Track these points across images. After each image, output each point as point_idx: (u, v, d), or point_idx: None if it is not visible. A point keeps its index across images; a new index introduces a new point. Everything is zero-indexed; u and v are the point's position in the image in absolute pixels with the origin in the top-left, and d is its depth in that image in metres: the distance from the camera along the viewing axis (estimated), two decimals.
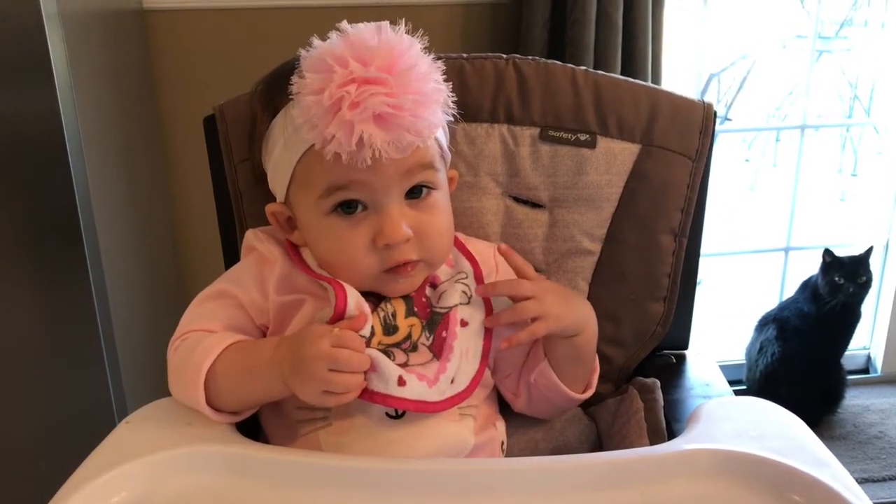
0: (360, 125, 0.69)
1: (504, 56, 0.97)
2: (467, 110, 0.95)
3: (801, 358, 2.07)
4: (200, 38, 1.71)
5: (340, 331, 0.73)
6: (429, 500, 0.71)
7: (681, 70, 2.31)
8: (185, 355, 0.79)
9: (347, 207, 0.77)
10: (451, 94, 0.76)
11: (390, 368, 0.76)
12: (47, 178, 1.25)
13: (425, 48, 0.74)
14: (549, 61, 0.97)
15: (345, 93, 0.69)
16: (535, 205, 0.97)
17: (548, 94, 0.95)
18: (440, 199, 0.81)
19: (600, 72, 0.97)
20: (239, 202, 0.96)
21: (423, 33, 0.74)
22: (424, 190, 0.79)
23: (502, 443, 0.89)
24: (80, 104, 1.27)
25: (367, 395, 0.76)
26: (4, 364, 1.35)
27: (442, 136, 0.82)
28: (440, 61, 0.75)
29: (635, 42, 1.70)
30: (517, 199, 0.98)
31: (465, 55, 0.97)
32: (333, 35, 0.72)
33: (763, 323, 2.19)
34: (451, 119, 0.80)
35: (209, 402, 0.77)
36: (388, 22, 0.73)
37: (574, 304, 0.86)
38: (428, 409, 0.78)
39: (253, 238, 0.86)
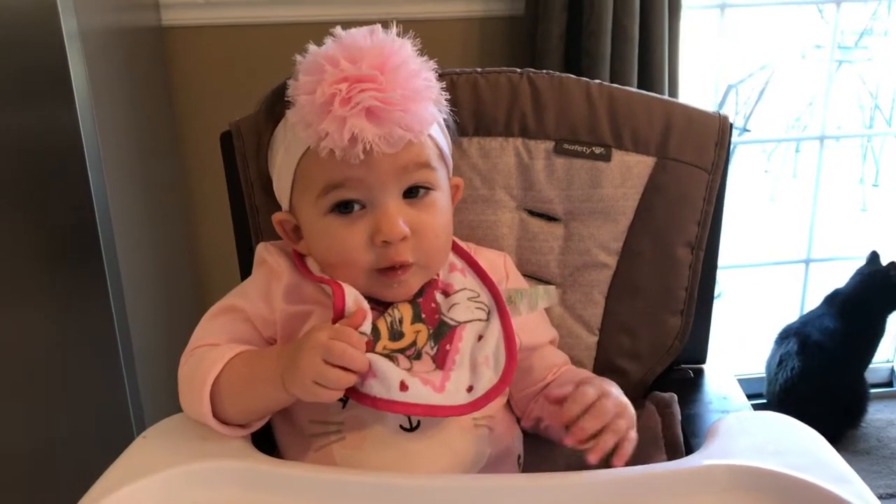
0: (352, 120, 0.71)
1: (518, 70, 0.97)
2: (482, 124, 0.96)
3: (823, 373, 2.04)
4: (218, 54, 1.72)
5: (340, 325, 0.73)
6: None
7: (698, 81, 2.30)
8: (192, 370, 0.79)
9: (345, 207, 0.78)
10: (443, 92, 0.77)
11: (392, 373, 0.75)
12: (67, 194, 1.26)
13: (419, 50, 0.76)
14: (564, 75, 0.97)
15: (336, 90, 0.71)
16: (551, 218, 0.97)
17: (562, 108, 0.95)
18: (438, 198, 0.81)
19: (615, 85, 0.97)
20: (255, 217, 0.97)
21: (413, 35, 0.76)
22: (422, 190, 0.80)
23: (519, 456, 0.89)
24: (99, 120, 1.28)
25: (370, 401, 0.74)
26: (24, 376, 1.36)
27: (440, 136, 0.82)
28: (433, 62, 0.77)
29: (651, 53, 1.69)
30: (532, 213, 0.98)
31: (479, 69, 0.97)
32: (328, 40, 0.75)
33: (784, 336, 2.15)
34: (446, 117, 0.81)
35: (216, 415, 0.77)
36: (380, 25, 0.75)
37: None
38: (438, 412, 0.77)
39: (263, 250, 0.87)
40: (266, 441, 0.84)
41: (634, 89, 0.98)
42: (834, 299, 2.11)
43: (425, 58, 0.76)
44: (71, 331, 1.34)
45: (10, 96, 1.21)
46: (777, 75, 4.11)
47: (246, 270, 0.99)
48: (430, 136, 0.79)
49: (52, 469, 1.41)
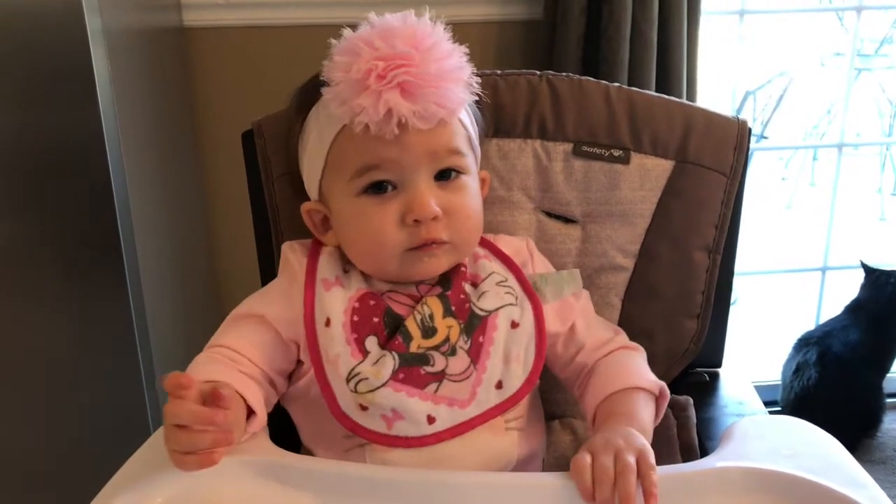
0: (386, 95, 0.72)
1: (538, 72, 0.98)
2: (501, 126, 0.96)
3: (841, 385, 2.03)
4: (239, 54, 1.73)
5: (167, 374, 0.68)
6: None
7: (716, 87, 2.30)
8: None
9: (378, 188, 0.79)
10: (475, 73, 0.79)
11: (418, 409, 0.78)
12: (88, 192, 1.27)
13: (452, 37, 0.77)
14: (583, 78, 0.97)
15: (373, 65, 0.72)
16: (568, 220, 0.98)
17: (581, 110, 0.96)
18: (469, 182, 0.82)
19: (634, 88, 0.98)
20: (276, 216, 0.98)
21: (444, 21, 0.77)
22: (453, 173, 0.81)
23: (543, 459, 0.90)
24: (121, 119, 1.29)
25: (403, 441, 0.78)
26: (43, 375, 1.37)
27: (470, 123, 0.83)
28: (465, 47, 0.78)
29: (670, 59, 1.69)
30: (550, 214, 0.98)
31: (498, 72, 0.98)
32: (363, 24, 0.76)
33: (803, 343, 2.13)
34: (477, 99, 0.82)
35: None
36: (412, 10, 0.77)
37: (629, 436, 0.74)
38: (466, 428, 0.79)
39: (287, 249, 0.88)
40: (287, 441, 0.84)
41: (654, 93, 0.98)
42: (858, 310, 2.10)
43: (457, 43, 0.77)
44: (90, 329, 1.35)
45: (35, 94, 1.22)
46: (795, 83, 4.10)
47: (266, 269, 1.00)
48: (461, 121, 0.81)
49: (69, 466, 1.42)
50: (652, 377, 0.84)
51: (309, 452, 0.86)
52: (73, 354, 1.36)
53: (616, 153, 0.95)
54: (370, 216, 0.79)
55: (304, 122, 0.84)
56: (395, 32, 0.74)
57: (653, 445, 0.90)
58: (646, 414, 0.80)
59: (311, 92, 0.80)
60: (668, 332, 0.98)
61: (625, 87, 0.97)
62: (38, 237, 1.29)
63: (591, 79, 0.97)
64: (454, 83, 0.75)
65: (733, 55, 2.12)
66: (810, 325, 2.20)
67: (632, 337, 0.98)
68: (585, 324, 0.89)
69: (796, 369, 2.09)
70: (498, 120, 0.96)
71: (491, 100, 0.96)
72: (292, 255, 0.87)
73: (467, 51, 0.78)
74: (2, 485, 1.42)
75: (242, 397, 0.76)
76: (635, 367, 0.85)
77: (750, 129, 0.96)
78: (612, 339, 0.89)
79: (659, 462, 0.86)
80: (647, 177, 0.95)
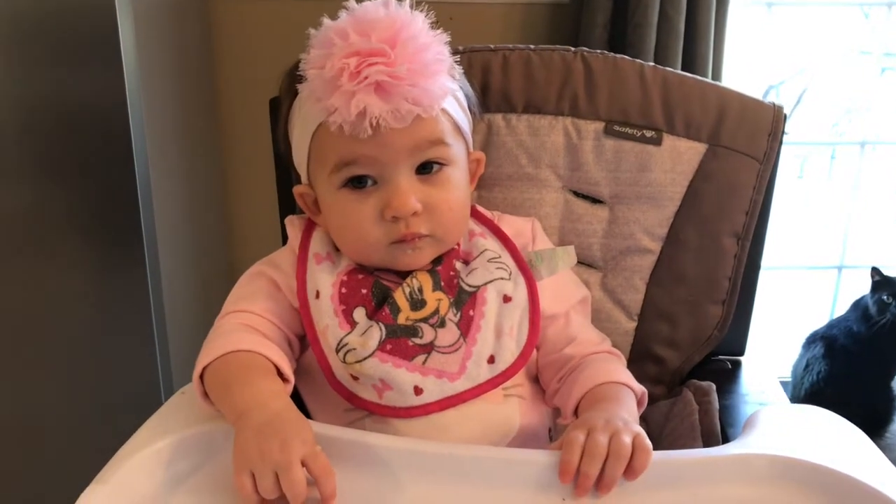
0: (359, 95, 0.71)
1: (572, 49, 0.96)
2: (532, 102, 0.95)
3: (848, 378, 2.02)
4: (262, 24, 1.73)
5: (320, 454, 0.66)
6: (468, 486, 0.70)
7: (739, 79, 2.28)
8: (206, 342, 0.79)
9: (358, 182, 0.78)
10: (457, 65, 0.78)
11: (404, 381, 0.77)
12: (109, 159, 1.27)
13: (433, 24, 0.75)
14: (618, 56, 0.96)
15: (345, 64, 0.70)
16: (596, 200, 0.97)
17: (615, 89, 0.94)
18: (453, 174, 0.80)
19: (669, 69, 0.96)
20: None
21: (428, 8, 0.75)
22: (436, 166, 0.79)
23: (550, 430, 0.88)
24: (144, 86, 1.29)
25: (392, 411, 0.78)
26: (59, 342, 1.37)
27: (456, 110, 0.81)
28: (446, 35, 0.76)
29: (696, 47, 1.67)
30: (577, 194, 0.97)
31: (532, 47, 0.96)
32: (342, 13, 0.74)
33: (811, 340, 2.14)
34: (467, 92, 0.81)
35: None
36: None
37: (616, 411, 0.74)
38: (455, 401, 0.78)
39: (288, 223, 0.88)
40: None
41: (688, 74, 0.97)
42: (859, 304, 2.09)
43: (440, 31, 0.75)
44: (106, 293, 1.35)
45: (61, 61, 1.22)
46: (818, 79, 4.06)
47: (287, 235, 0.99)
48: (444, 111, 0.78)
49: (81, 434, 1.43)
50: (636, 382, 0.82)
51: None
52: (88, 319, 1.36)
53: (648, 134, 0.94)
54: (350, 211, 0.79)
55: (290, 107, 0.82)
56: (372, 23, 0.72)
57: (674, 430, 0.90)
58: (633, 407, 0.79)
59: (297, 77, 0.77)
60: (692, 318, 0.97)
61: (660, 67, 0.96)
62: (59, 202, 1.29)
63: (626, 57, 0.96)
64: (432, 77, 0.73)
65: (758, 48, 2.10)
66: (823, 323, 2.18)
67: (655, 321, 0.97)
68: (580, 319, 0.89)
69: (806, 366, 2.09)
70: (530, 96, 0.95)
71: (523, 75, 0.95)
72: (291, 229, 0.87)
73: (448, 38, 0.76)
74: (13, 449, 1.43)
75: (276, 366, 0.76)
76: (623, 369, 0.84)
77: (785, 116, 0.95)
78: (601, 342, 0.88)
79: (680, 446, 0.86)
80: (678, 159, 0.94)
